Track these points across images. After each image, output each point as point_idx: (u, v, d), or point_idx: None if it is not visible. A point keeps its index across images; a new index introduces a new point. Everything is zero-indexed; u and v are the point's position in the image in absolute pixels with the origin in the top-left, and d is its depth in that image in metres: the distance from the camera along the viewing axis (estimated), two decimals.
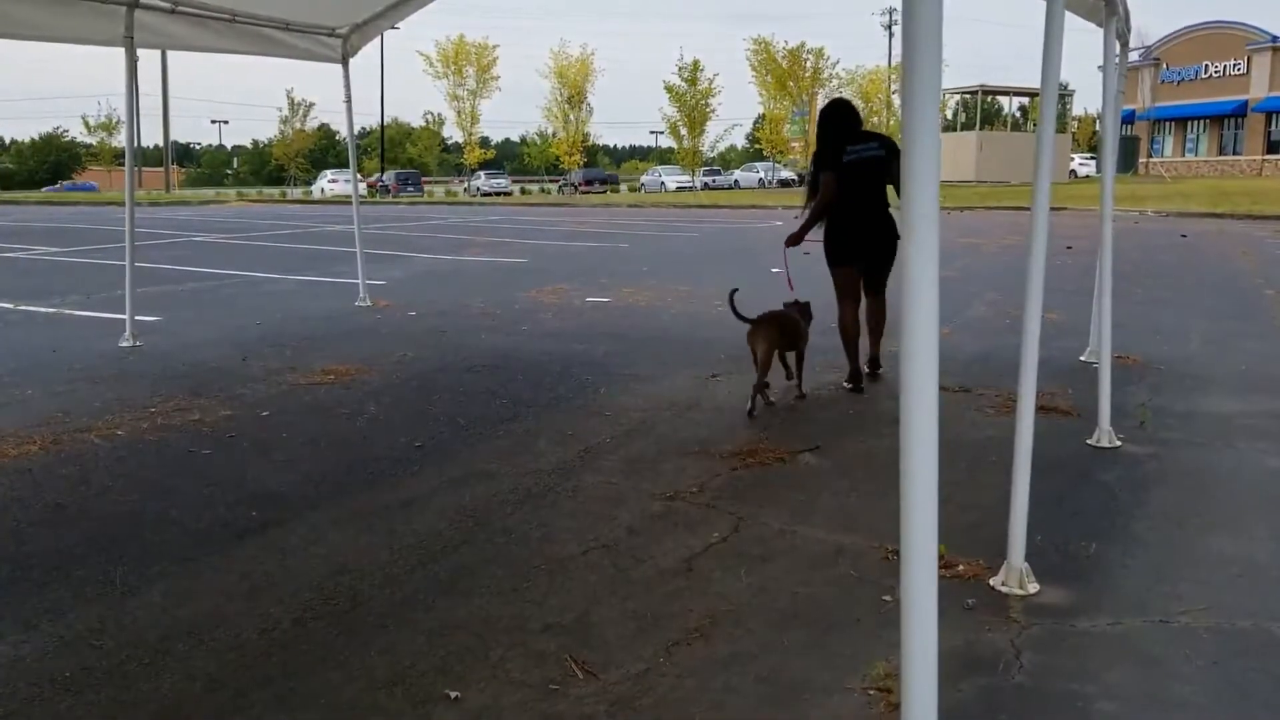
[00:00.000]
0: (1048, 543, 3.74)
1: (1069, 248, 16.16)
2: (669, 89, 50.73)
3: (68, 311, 9.16)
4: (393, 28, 8.25)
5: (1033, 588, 3.36)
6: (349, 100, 9.10)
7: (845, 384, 6.40)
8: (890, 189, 6.16)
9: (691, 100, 50.54)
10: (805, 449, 4.97)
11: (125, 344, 7.42)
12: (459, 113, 51.31)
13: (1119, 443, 5.02)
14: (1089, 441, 5.05)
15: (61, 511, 4.13)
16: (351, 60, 8.87)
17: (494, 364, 7.03)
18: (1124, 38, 6.66)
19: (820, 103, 50.19)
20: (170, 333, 7.97)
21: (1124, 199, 34.32)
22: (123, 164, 54.47)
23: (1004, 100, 55.84)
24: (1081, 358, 6.95)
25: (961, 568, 3.51)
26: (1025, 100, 59.03)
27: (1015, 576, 3.37)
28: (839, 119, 6.42)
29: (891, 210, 5.98)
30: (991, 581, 3.40)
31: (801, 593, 3.36)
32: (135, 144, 7.80)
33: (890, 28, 74.99)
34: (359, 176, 42.25)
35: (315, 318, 8.94)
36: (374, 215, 27.17)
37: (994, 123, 55.71)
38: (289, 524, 4.01)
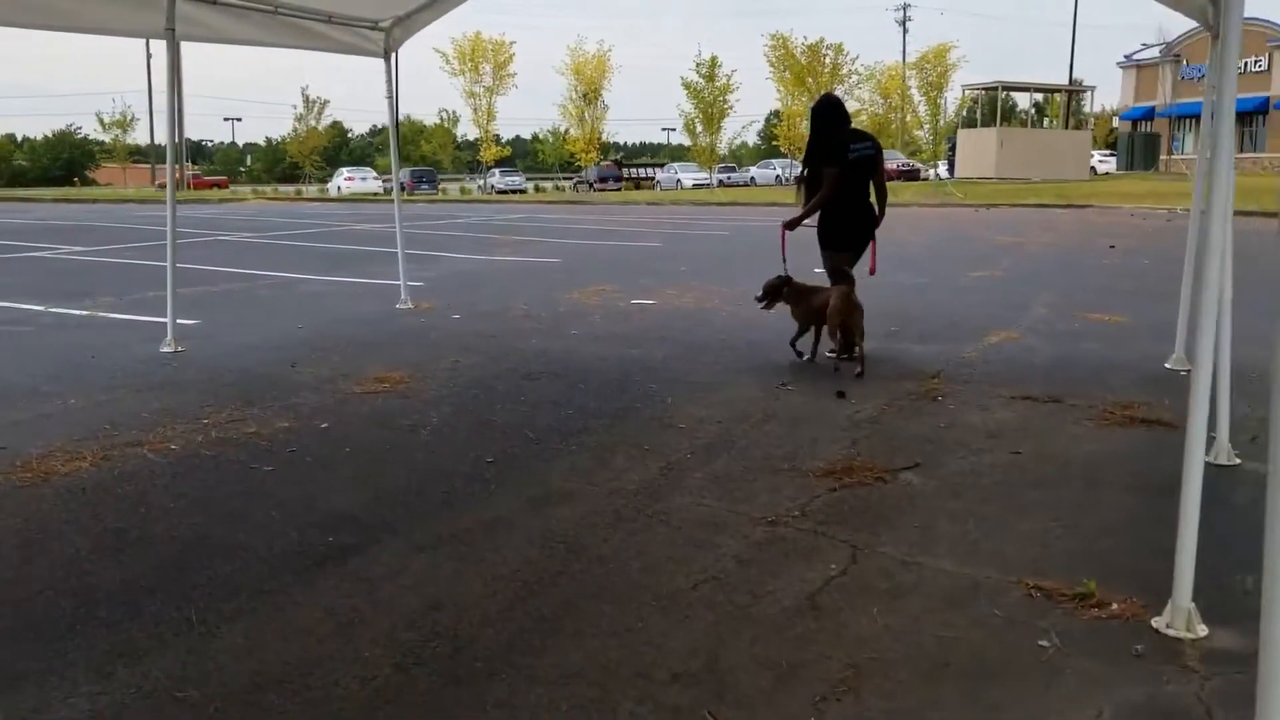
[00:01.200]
0: (1200, 575, 3.42)
1: (1112, 247, 15.83)
2: (687, 85, 50.30)
3: (101, 314, 8.89)
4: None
5: (1201, 630, 3.05)
6: (391, 96, 8.85)
7: (840, 356, 6.84)
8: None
9: (710, 97, 50.10)
10: (904, 467, 4.66)
11: (166, 349, 7.15)
12: (475, 110, 51.03)
13: (1238, 460, 4.70)
14: (1207, 458, 4.71)
15: (123, 537, 3.84)
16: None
17: (551, 370, 6.73)
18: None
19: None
20: (211, 337, 7.69)
21: (1146, 196, 33.93)
22: (138, 161, 54.11)
23: (1018, 96, 55.21)
24: (1167, 364, 6.60)
25: (1116, 606, 3.20)
26: (1039, 96, 58.69)
27: (1182, 618, 3.06)
28: (837, 116, 6.98)
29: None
30: (1155, 623, 3.09)
31: (946, 636, 3.05)
32: (178, 140, 7.55)
33: (904, 24, 74.53)
34: (374, 174, 41.98)
35: (358, 321, 8.65)
36: (390, 214, 26.92)
37: (1010, 119, 55.17)
38: (369, 550, 3.72)
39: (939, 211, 28.84)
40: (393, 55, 8.71)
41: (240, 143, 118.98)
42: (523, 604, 3.28)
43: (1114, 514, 4.10)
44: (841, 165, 6.73)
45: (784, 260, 6.98)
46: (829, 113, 7.00)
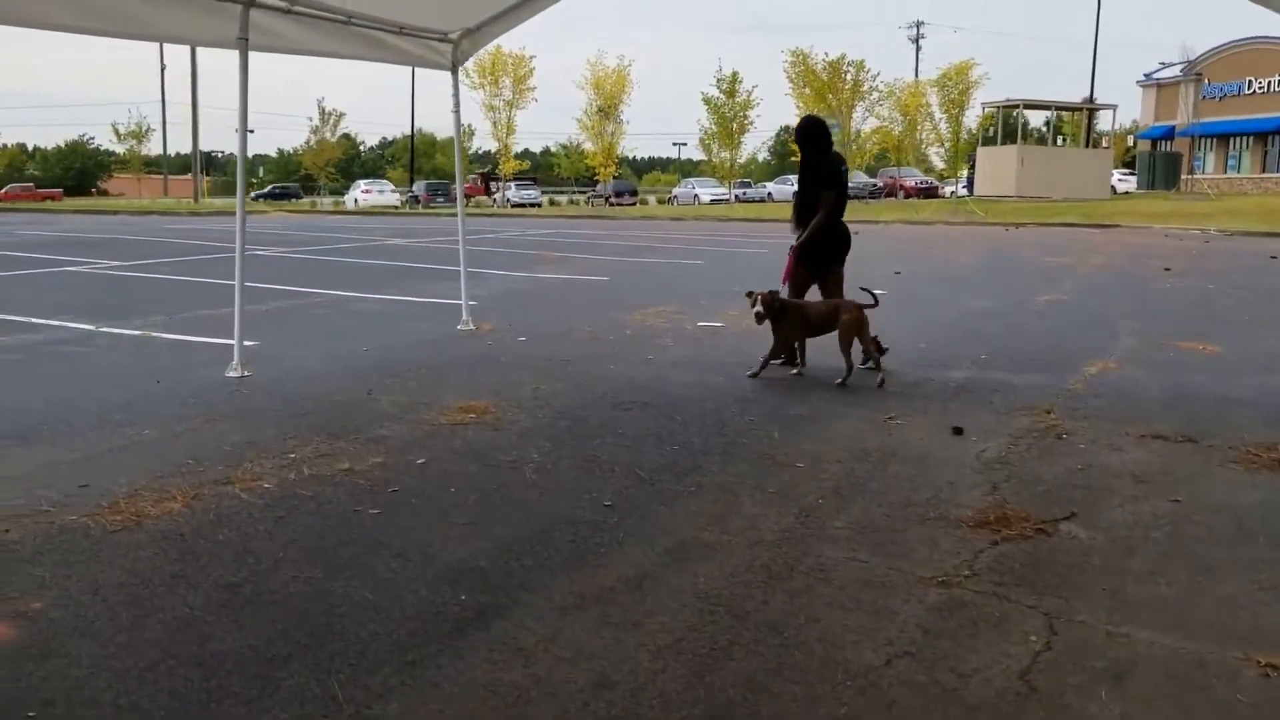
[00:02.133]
0: None
1: (1167, 269, 15.46)
2: (707, 101, 50.17)
3: (154, 334, 8.57)
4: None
5: None
6: (457, 110, 8.52)
7: (866, 367, 7.05)
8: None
9: (730, 112, 49.91)
10: (1061, 517, 4.30)
11: (233, 374, 6.82)
12: (495, 124, 50.83)
13: None
14: None
15: (237, 593, 3.49)
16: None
17: (640, 400, 6.39)
18: None
19: (859, 116, 49.68)
20: (275, 360, 7.36)
21: (1172, 216, 33.58)
22: (152, 172, 53.90)
23: (1030, 114, 54.87)
24: None
25: None
26: (1051, 114, 58.29)
27: None
28: (828, 138, 7.35)
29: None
30: None
31: None
32: (244, 153, 7.28)
33: (917, 41, 74.36)
34: (391, 187, 41.75)
35: (422, 343, 8.32)
36: (417, 228, 26.67)
37: (1026, 137, 54.80)
38: (508, 611, 3.37)
39: (968, 231, 28.50)
40: (459, 68, 8.40)
41: (249, 155, 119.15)
42: (701, 681, 2.93)
43: None
44: (839, 189, 7.21)
45: (785, 281, 7.26)
46: (823, 135, 7.30)
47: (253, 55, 6.56)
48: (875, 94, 51.35)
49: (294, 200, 62.89)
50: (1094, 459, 5.18)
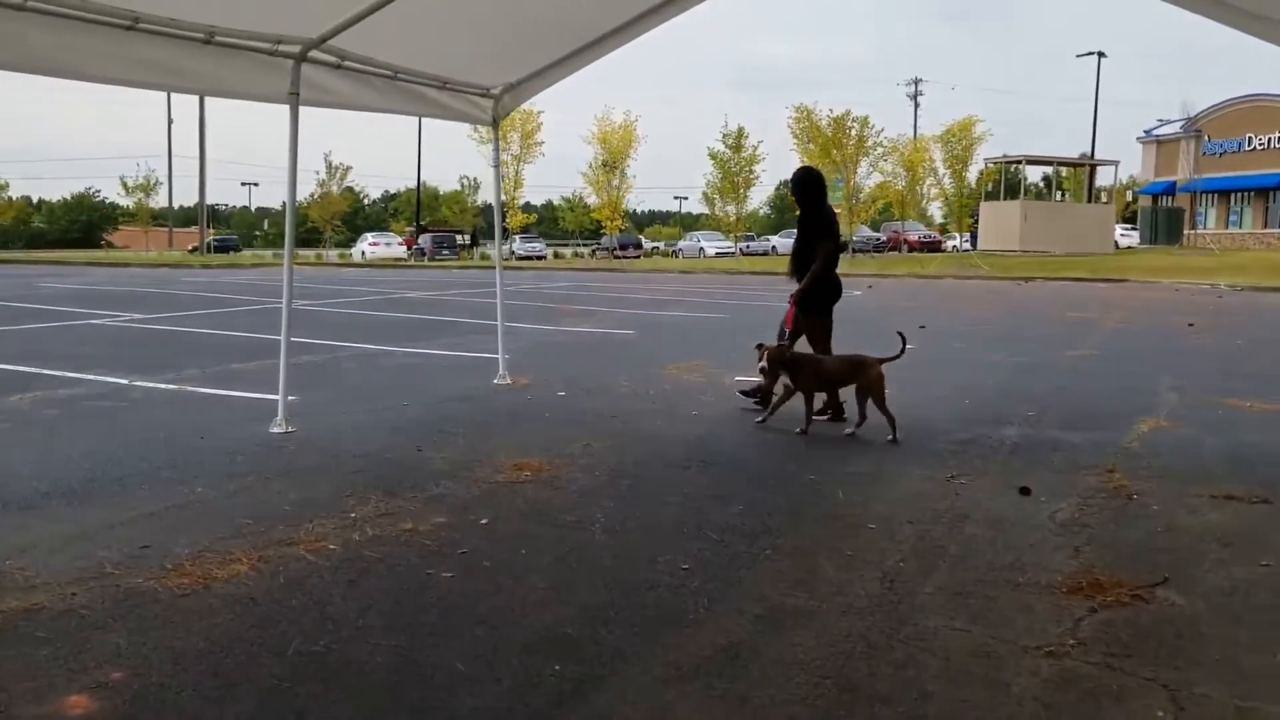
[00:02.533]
0: None
1: (1190, 325, 15.41)
2: (713, 155, 50.53)
3: (190, 389, 8.47)
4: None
5: None
6: (497, 166, 8.53)
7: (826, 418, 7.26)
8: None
9: (736, 167, 50.26)
10: (1154, 583, 4.18)
11: (277, 429, 6.72)
12: (504, 178, 51.11)
13: None
14: None
15: (323, 663, 3.36)
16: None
17: (695, 458, 6.29)
18: None
19: (864, 171, 49.99)
20: (317, 415, 7.25)
21: (1177, 271, 33.66)
22: (159, 225, 53.97)
23: (1028, 170, 55.30)
24: None
25: None
26: (1048, 170, 58.85)
27: None
28: (824, 189, 7.54)
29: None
30: None
31: None
32: (293, 206, 7.24)
33: (915, 97, 75.11)
34: (398, 239, 41.78)
35: (462, 398, 8.22)
36: (429, 280, 26.67)
37: (1025, 192, 55.19)
38: (606, 682, 3.25)
39: (978, 285, 28.53)
40: (499, 123, 8.40)
41: (252, 207, 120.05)
42: None
43: None
44: (836, 240, 7.42)
45: (787, 328, 7.34)
46: (819, 186, 7.49)
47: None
48: (880, 149, 51.69)
49: (233, 252, 64.06)
50: (1171, 521, 5.06)
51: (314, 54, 6.44)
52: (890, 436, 6.74)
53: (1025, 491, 5.57)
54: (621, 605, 3.91)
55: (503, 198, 52.39)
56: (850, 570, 4.33)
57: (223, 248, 67.16)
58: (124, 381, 8.67)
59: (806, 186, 7.47)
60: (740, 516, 5.08)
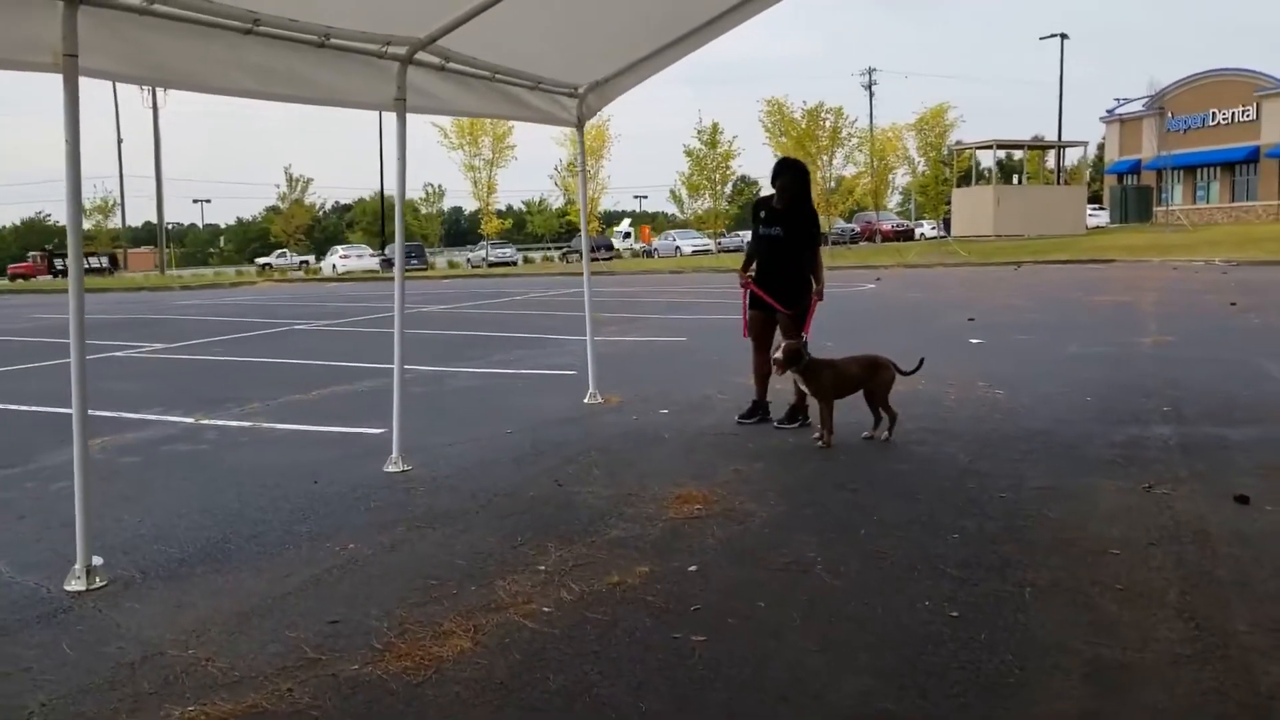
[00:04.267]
0: None
1: (1233, 304, 15.17)
2: (689, 153, 50.22)
3: (264, 424, 7.84)
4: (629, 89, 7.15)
5: None
6: (583, 169, 7.99)
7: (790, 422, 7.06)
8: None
9: (712, 163, 49.95)
10: None
11: (393, 469, 6.16)
12: (476, 184, 50.41)
13: None
14: None
15: None
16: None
17: (858, 478, 5.84)
18: None
19: (839, 162, 49.81)
20: (423, 449, 6.67)
21: (1155, 249, 33.74)
22: (117, 246, 52.62)
23: (982, 155, 55.53)
24: None
25: None
26: (1002, 154, 59.19)
27: None
28: (810, 183, 7.19)
29: None
30: None
31: None
32: (402, 223, 6.74)
33: (870, 87, 75.19)
34: (369, 251, 40.97)
35: (561, 420, 7.68)
36: (415, 294, 25.91)
37: (980, 178, 55.37)
38: None
39: (973, 272, 28.35)
40: (584, 124, 7.89)
41: (200, 225, 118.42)
42: None
43: None
44: (819, 235, 7.23)
45: (807, 326, 7.05)
46: (808, 180, 7.16)
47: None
48: (854, 140, 51.62)
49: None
50: None
51: (420, 55, 5.91)
52: (877, 433, 6.61)
53: (1243, 500, 5.15)
54: (920, 668, 3.41)
55: (478, 204, 51.76)
56: (1137, 609, 3.87)
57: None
58: (190, 420, 8.02)
59: (801, 177, 7.06)
60: (961, 547, 4.61)
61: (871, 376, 6.62)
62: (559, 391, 8.88)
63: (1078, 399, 7.96)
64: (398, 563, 4.57)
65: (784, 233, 7.02)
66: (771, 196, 7.10)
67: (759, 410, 7.29)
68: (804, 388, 6.66)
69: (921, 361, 6.94)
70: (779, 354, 6.55)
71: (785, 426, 7.06)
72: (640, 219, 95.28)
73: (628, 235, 67.16)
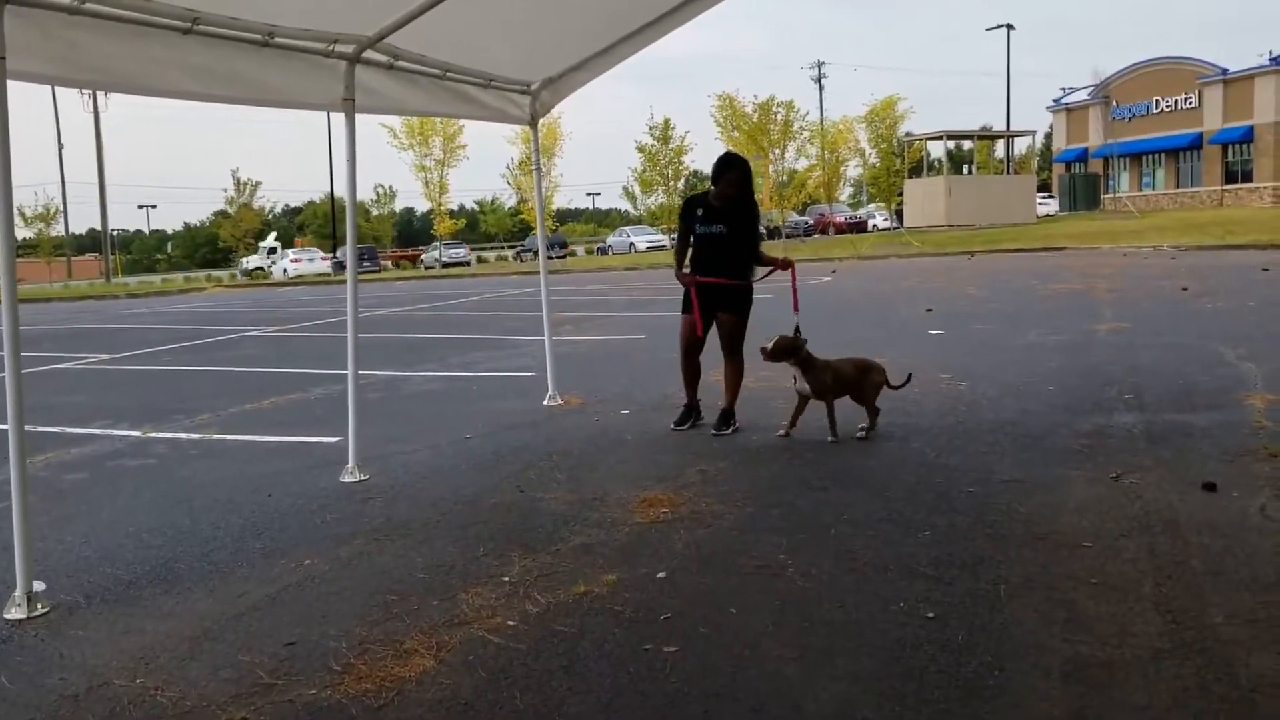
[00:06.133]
0: None
1: (1184, 289, 15.32)
2: (641, 149, 50.08)
3: (215, 436, 7.62)
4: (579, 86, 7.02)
5: None
6: (538, 166, 7.89)
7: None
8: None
9: (664, 159, 49.86)
10: None
11: (350, 479, 5.99)
12: (427, 184, 49.86)
13: None
14: None
15: None
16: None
17: (827, 477, 5.77)
18: None
19: (791, 155, 49.93)
20: (379, 457, 6.50)
21: (1105, 235, 34.16)
22: (60, 254, 51.52)
23: (931, 146, 55.96)
24: None
25: None
26: (951, 145, 59.62)
27: None
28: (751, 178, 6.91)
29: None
30: None
31: None
32: (354, 225, 6.47)
33: (819, 80, 75.39)
34: (320, 254, 40.37)
35: (522, 424, 7.53)
36: (370, 296, 25.63)
37: (930, 168, 55.82)
38: None
39: (930, 262, 28.47)
40: (538, 122, 7.74)
41: (146, 230, 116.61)
42: None
43: None
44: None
45: (796, 310, 6.95)
46: (750, 175, 6.88)
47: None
48: (806, 133, 51.76)
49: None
50: None
51: (367, 54, 5.75)
52: (861, 431, 6.59)
53: (1210, 487, 5.14)
54: (899, 673, 3.33)
55: (429, 205, 51.24)
56: (1113, 603, 3.82)
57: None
58: (138, 434, 7.78)
59: (746, 174, 6.81)
60: (932, 544, 4.54)
61: (864, 378, 6.61)
62: (518, 394, 8.74)
63: (1040, 388, 7.95)
64: (356, 578, 4.41)
65: (728, 230, 6.75)
66: (706, 194, 6.88)
67: (690, 414, 7.12)
68: (805, 381, 6.50)
69: (909, 377, 6.98)
70: (769, 344, 6.42)
71: (722, 433, 6.86)
72: (594, 217, 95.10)
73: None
